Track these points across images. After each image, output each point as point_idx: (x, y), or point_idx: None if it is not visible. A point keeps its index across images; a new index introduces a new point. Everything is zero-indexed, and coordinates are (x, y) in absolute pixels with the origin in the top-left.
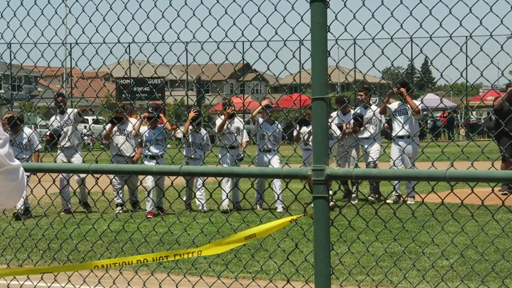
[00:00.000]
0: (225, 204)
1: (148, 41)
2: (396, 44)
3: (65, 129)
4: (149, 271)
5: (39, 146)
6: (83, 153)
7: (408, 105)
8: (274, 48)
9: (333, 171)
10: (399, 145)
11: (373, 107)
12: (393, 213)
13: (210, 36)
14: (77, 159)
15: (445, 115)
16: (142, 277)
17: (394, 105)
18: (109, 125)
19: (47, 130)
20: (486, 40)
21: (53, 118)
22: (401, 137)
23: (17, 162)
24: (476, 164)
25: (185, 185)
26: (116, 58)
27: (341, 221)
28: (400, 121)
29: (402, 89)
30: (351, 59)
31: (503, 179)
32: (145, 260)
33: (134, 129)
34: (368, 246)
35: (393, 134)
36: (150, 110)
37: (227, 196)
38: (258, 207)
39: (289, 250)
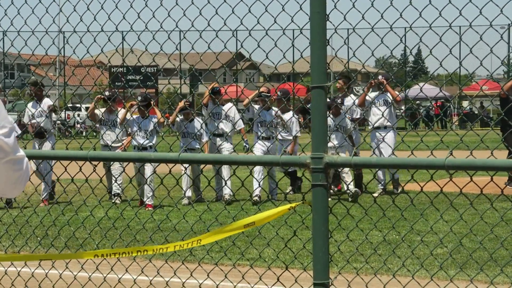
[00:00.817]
0: (227, 194)
1: (146, 29)
2: (395, 33)
3: (38, 119)
4: (147, 258)
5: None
6: (80, 140)
7: (388, 95)
8: (267, 37)
9: (332, 159)
10: (377, 135)
11: (352, 96)
12: (391, 201)
13: (208, 24)
14: (46, 147)
15: (438, 104)
16: (140, 264)
17: (371, 95)
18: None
19: (24, 117)
20: (486, 30)
21: (29, 105)
22: (378, 128)
23: (22, 152)
24: (474, 153)
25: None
26: (114, 45)
27: (335, 209)
28: (377, 111)
29: (382, 79)
30: (351, 48)
31: (502, 167)
32: (145, 252)
33: (131, 116)
34: (366, 234)
35: (370, 124)
36: (139, 99)
37: (225, 183)
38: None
39: (287, 237)
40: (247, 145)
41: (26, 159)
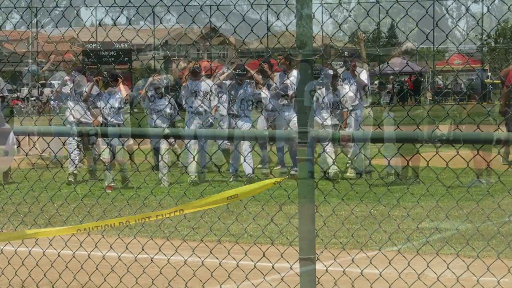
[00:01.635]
0: (192, 171)
1: (131, 4)
2: (382, 6)
3: None
4: (131, 235)
5: None
6: (55, 117)
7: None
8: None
9: (317, 134)
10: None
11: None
12: (377, 177)
13: None
14: None
15: (412, 79)
16: (124, 240)
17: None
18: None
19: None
20: (472, 2)
21: None
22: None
23: (7, 126)
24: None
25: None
26: (98, 19)
27: (321, 184)
28: (344, 92)
29: (353, 63)
30: (337, 22)
31: (490, 141)
32: (127, 222)
33: (100, 91)
34: (352, 209)
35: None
36: (105, 75)
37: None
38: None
39: (273, 213)
40: (212, 121)
41: (12, 133)
